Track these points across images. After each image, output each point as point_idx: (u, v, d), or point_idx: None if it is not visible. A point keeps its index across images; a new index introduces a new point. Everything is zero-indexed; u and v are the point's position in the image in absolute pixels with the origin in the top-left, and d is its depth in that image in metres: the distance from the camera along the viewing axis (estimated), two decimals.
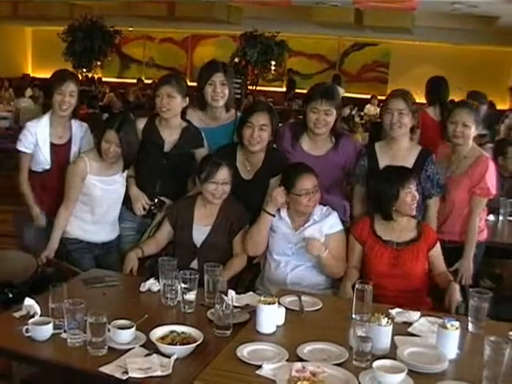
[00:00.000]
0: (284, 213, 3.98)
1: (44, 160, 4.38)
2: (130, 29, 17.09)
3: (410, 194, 3.76)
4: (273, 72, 15.36)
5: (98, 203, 4.25)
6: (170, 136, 4.33)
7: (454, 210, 4.28)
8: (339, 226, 3.98)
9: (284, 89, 17.00)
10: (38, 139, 4.35)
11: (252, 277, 4.09)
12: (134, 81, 16.92)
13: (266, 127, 4.10)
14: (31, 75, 18.70)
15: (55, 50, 14.75)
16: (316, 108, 4.13)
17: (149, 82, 16.78)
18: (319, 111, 4.12)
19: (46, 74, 17.37)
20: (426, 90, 6.65)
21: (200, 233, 4.02)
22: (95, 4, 15.12)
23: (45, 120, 4.41)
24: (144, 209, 4.30)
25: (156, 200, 4.29)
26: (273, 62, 14.99)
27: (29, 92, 13.55)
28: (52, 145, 4.39)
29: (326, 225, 3.93)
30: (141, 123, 4.33)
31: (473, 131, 4.30)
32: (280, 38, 14.62)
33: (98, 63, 15.16)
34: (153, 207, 4.29)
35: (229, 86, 4.42)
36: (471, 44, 14.61)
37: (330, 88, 4.37)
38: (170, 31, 17.65)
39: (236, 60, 14.70)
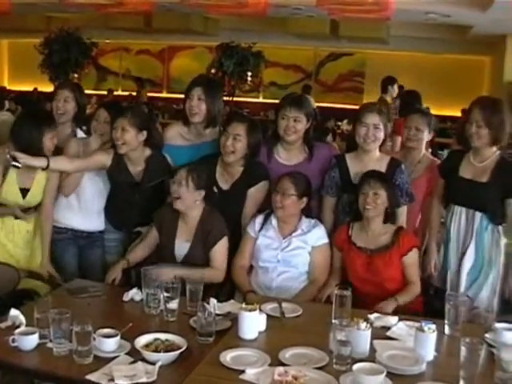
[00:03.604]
0: (274, 220, 4.09)
1: None
2: (107, 41, 17.06)
3: (363, 196, 3.92)
4: (249, 83, 15.42)
5: (83, 190, 4.40)
6: (134, 168, 4.35)
7: (412, 212, 4.36)
8: (325, 240, 4.10)
9: (261, 99, 17.09)
10: None
11: (231, 286, 4.12)
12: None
13: (240, 137, 4.15)
14: (7, 88, 18.61)
15: (32, 62, 14.66)
16: (285, 115, 4.25)
17: (125, 93, 16.80)
18: (288, 118, 4.24)
19: (22, 86, 17.36)
20: (400, 104, 6.86)
21: (181, 249, 4.04)
22: (72, 16, 15.09)
23: None
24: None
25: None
26: (249, 73, 15.03)
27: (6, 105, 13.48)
28: (56, 147, 4.43)
29: (313, 236, 4.05)
30: (107, 159, 4.31)
31: (425, 135, 4.58)
32: (256, 49, 14.69)
33: (75, 75, 15.11)
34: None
35: (207, 102, 4.39)
36: (446, 53, 14.76)
37: (299, 97, 4.51)
38: (147, 43, 17.63)
39: (212, 71, 14.73)
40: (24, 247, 4.33)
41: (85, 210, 4.45)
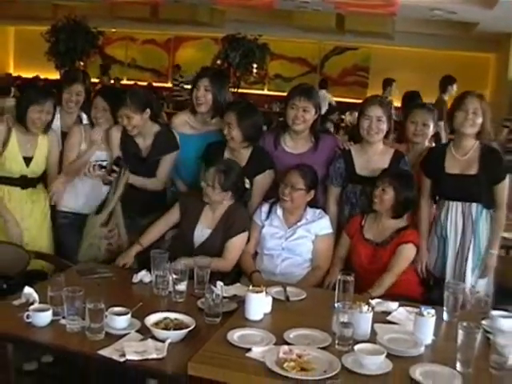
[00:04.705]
0: (279, 210, 4.20)
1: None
2: (113, 30, 17.13)
3: (375, 189, 4.05)
4: (254, 75, 15.48)
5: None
6: (143, 141, 4.50)
7: None
8: (329, 230, 4.22)
9: (266, 91, 17.16)
10: None
11: (238, 270, 4.21)
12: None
13: (232, 126, 4.27)
14: (13, 74, 18.68)
15: (38, 49, 14.68)
16: (294, 104, 4.33)
17: (131, 82, 16.87)
18: (298, 107, 4.32)
19: (28, 73, 17.40)
20: (402, 103, 6.97)
21: (200, 235, 4.13)
22: (78, 4, 15.14)
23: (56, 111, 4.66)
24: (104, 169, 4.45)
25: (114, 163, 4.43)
26: (254, 65, 15.08)
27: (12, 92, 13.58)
28: (63, 133, 4.71)
29: (317, 226, 4.17)
30: (117, 133, 4.49)
31: (431, 130, 4.60)
32: (262, 41, 14.75)
33: (81, 64, 15.18)
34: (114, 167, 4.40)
35: (214, 93, 4.53)
36: (450, 50, 14.78)
37: (309, 88, 4.57)
38: (153, 33, 17.69)
39: (218, 62, 14.79)
40: (30, 217, 4.50)
41: (90, 194, 4.55)
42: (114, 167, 4.33)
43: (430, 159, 4.31)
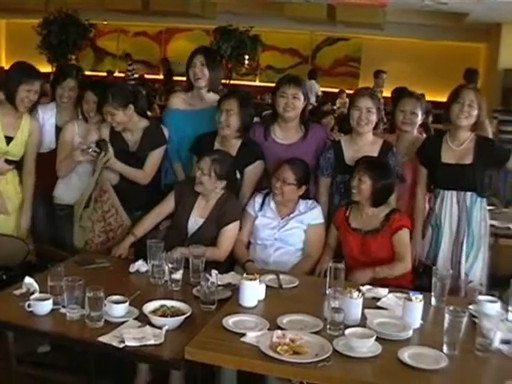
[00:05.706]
0: (272, 202, 4.29)
1: (50, 141, 4.79)
2: (105, 22, 17.12)
3: (352, 179, 4.11)
4: (246, 66, 15.53)
5: (83, 167, 4.62)
6: (131, 136, 4.58)
7: (405, 193, 4.53)
8: (321, 220, 4.31)
9: (257, 83, 17.21)
10: (44, 122, 4.78)
11: (232, 260, 4.30)
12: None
13: (232, 112, 4.36)
14: (6, 68, 18.65)
15: (30, 42, 14.70)
16: (284, 92, 4.42)
17: (122, 75, 16.89)
18: (287, 95, 4.41)
19: None
20: (391, 99, 7.11)
21: (194, 223, 4.21)
22: None
23: (51, 106, 4.88)
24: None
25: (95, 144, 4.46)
26: (246, 57, 15.13)
27: None
28: (57, 127, 4.80)
29: (310, 216, 4.26)
30: (106, 129, 4.57)
31: (419, 118, 4.70)
32: (253, 33, 14.79)
33: (73, 57, 15.18)
34: (94, 148, 4.43)
35: (209, 68, 4.63)
36: (441, 39, 14.85)
37: (296, 76, 4.67)
38: (145, 25, 17.70)
39: None
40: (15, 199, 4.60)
41: (83, 187, 4.59)
42: (95, 148, 4.41)
43: (426, 149, 4.41)
